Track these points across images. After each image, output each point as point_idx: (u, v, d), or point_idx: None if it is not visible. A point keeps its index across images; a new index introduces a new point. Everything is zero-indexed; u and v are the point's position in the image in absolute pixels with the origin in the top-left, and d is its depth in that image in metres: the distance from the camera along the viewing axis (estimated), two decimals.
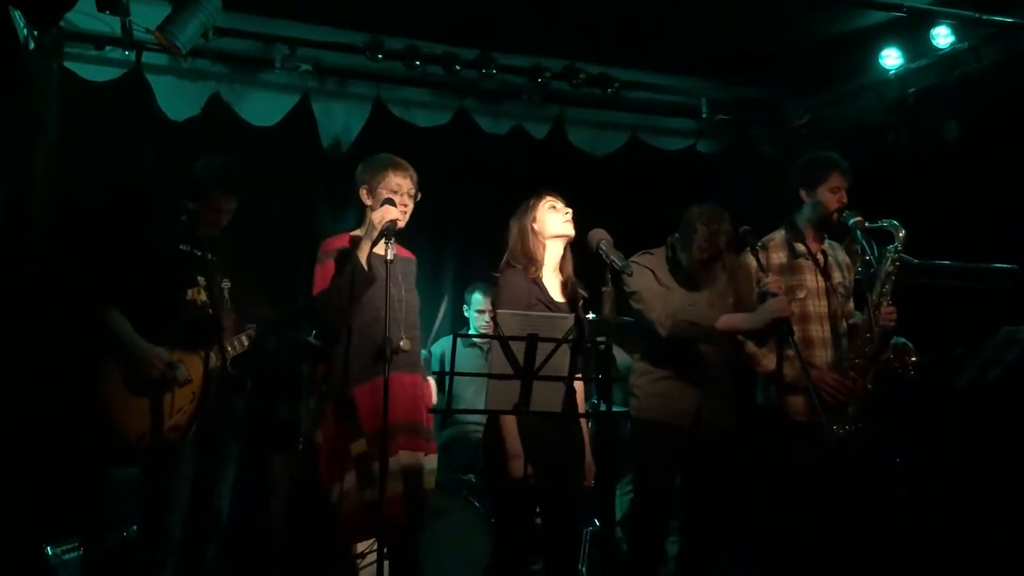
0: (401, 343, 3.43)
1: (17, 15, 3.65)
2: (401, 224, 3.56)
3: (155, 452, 3.41)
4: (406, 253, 3.76)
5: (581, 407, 3.49)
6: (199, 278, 3.56)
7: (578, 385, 3.46)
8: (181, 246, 3.57)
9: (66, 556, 3.84)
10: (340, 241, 3.65)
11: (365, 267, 3.40)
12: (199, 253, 3.56)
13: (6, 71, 3.47)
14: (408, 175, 3.62)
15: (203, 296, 3.55)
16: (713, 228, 3.68)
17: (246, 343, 3.59)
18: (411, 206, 3.64)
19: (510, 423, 3.31)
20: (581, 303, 3.56)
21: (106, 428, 3.42)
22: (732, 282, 3.87)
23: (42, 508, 3.97)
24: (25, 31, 3.97)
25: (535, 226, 3.58)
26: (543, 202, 3.61)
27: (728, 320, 3.67)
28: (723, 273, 3.87)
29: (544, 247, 3.56)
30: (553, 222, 3.57)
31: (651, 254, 3.86)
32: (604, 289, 3.20)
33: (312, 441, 3.54)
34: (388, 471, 3.25)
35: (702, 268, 3.80)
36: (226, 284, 3.60)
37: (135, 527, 3.90)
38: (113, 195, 4.55)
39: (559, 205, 3.60)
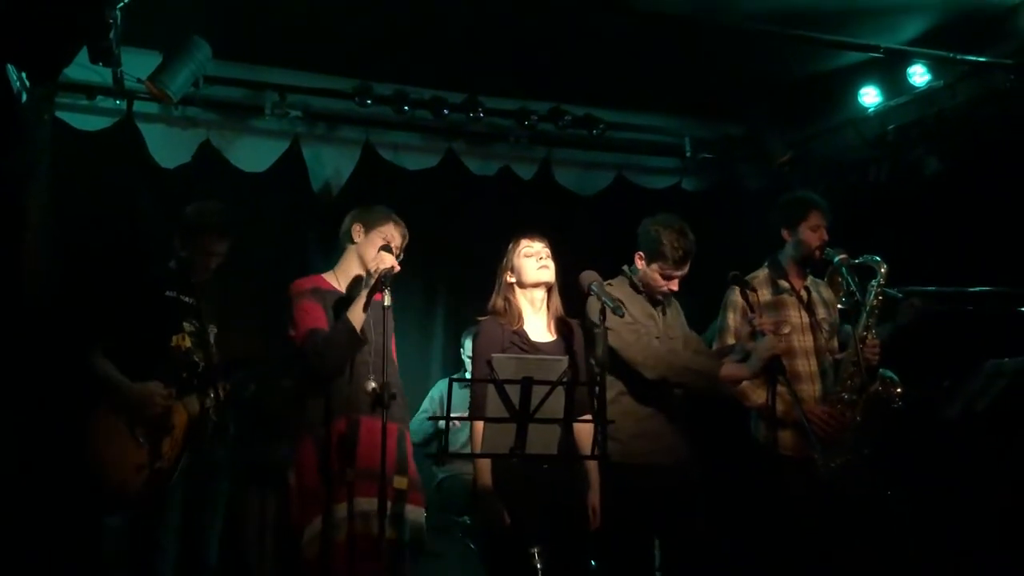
0: (372, 385, 3.41)
1: (12, 69, 3.69)
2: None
3: (141, 499, 3.40)
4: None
5: (586, 450, 3.40)
6: (185, 324, 3.56)
7: (586, 428, 3.43)
8: (167, 292, 3.57)
9: None
10: (312, 282, 3.62)
11: (357, 327, 3.39)
12: (186, 299, 3.57)
13: (1, 123, 3.51)
14: (403, 233, 3.65)
15: (187, 343, 3.55)
16: (676, 227, 3.65)
17: (222, 393, 3.58)
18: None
19: (483, 462, 3.33)
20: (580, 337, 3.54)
21: (92, 475, 3.41)
22: (674, 316, 3.85)
23: (39, 555, 3.93)
24: (18, 83, 4.01)
25: (509, 277, 3.59)
26: (518, 248, 3.60)
27: (729, 370, 3.64)
28: (671, 305, 3.84)
29: (520, 296, 3.57)
30: (529, 270, 3.55)
31: (611, 284, 3.73)
32: (596, 330, 3.25)
33: (286, 481, 3.48)
34: (357, 513, 3.30)
35: (668, 280, 3.68)
36: (213, 330, 3.60)
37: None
38: (105, 242, 4.57)
39: (535, 247, 3.58)
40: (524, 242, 3.60)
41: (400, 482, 3.43)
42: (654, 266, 3.70)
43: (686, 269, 3.70)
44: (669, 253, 3.63)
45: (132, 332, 3.50)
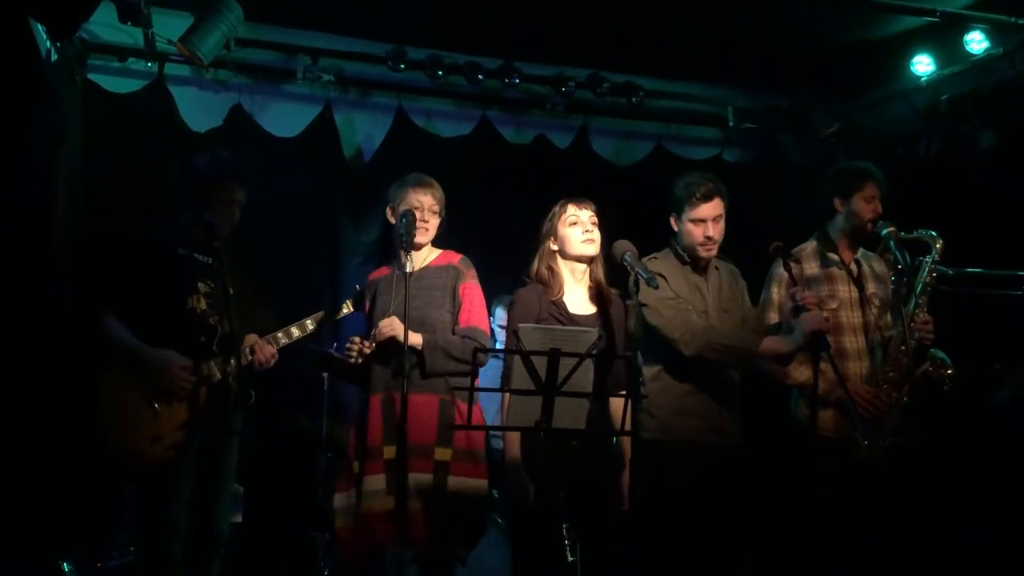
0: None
1: (40, 28, 3.64)
2: (423, 240, 3.52)
3: (153, 471, 3.24)
4: (449, 259, 3.65)
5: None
6: (199, 284, 3.38)
7: (617, 402, 3.22)
8: (180, 250, 3.38)
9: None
10: (374, 275, 3.67)
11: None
12: (200, 258, 3.40)
13: (27, 83, 3.45)
14: (430, 192, 3.54)
15: (203, 304, 3.36)
16: (696, 173, 3.60)
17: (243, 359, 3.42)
18: (433, 222, 3.56)
19: (513, 435, 3.25)
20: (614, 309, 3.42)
21: (102, 444, 3.25)
22: (733, 290, 3.71)
23: (57, 522, 3.92)
24: (48, 43, 3.96)
25: (552, 245, 3.46)
26: (564, 215, 3.46)
27: (769, 344, 3.54)
28: (726, 278, 3.70)
29: (563, 265, 3.46)
30: (573, 241, 3.42)
31: (656, 258, 3.66)
32: (629, 302, 3.13)
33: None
34: (392, 488, 3.29)
35: (700, 225, 3.57)
36: (229, 291, 3.34)
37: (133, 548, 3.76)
38: (134, 205, 4.53)
39: (582, 215, 3.45)
40: (570, 208, 3.45)
41: (443, 454, 3.36)
42: (684, 218, 3.59)
43: (715, 208, 3.56)
44: (690, 193, 3.55)
45: (143, 292, 3.30)
